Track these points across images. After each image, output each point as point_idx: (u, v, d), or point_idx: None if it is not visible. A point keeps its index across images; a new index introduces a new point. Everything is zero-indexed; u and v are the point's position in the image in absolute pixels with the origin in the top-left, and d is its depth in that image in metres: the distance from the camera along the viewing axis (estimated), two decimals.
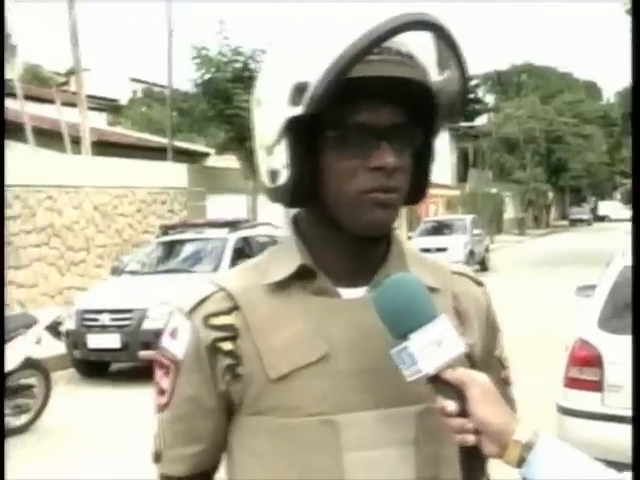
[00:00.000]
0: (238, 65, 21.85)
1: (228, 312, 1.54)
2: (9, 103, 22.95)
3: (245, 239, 13.95)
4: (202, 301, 1.56)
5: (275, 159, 1.51)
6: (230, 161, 24.23)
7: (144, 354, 11.58)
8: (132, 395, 10.68)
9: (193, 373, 1.55)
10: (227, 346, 1.52)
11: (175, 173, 21.14)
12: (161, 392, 1.61)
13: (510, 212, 58.55)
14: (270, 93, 1.51)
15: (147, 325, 11.60)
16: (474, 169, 56.60)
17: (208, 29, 22.28)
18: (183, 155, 24.46)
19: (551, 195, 68.93)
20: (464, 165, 58.69)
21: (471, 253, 27.89)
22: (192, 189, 21.37)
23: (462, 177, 56.50)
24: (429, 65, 1.51)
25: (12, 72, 21.58)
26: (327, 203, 1.52)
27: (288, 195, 1.52)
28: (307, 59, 1.43)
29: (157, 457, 1.64)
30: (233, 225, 14.41)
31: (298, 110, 1.44)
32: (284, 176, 1.50)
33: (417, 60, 1.47)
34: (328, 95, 1.39)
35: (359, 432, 1.49)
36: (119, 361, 12.54)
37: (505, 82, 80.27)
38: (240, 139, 21.94)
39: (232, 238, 13.64)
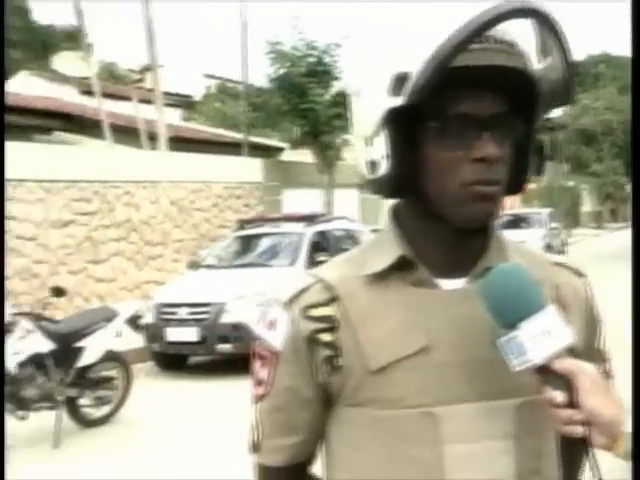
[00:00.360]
0: (312, 59, 21.87)
1: (327, 303, 1.53)
2: (86, 101, 23.32)
3: (321, 233, 13.97)
4: (301, 292, 1.56)
5: (375, 150, 1.50)
6: (304, 155, 24.26)
7: (222, 347, 11.68)
8: (210, 388, 10.78)
9: (291, 364, 1.55)
10: (326, 337, 1.52)
11: (250, 168, 21.23)
12: (259, 383, 1.61)
13: (587, 205, 57.76)
14: (370, 84, 1.50)
15: (225, 319, 11.70)
16: (550, 162, 55.93)
17: (282, 24, 22.30)
18: (257, 150, 24.57)
19: (629, 188, 67.79)
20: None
21: (548, 247, 27.57)
22: (267, 184, 21.44)
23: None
24: (531, 52, 1.49)
25: (89, 70, 21.90)
26: (427, 194, 1.50)
27: (387, 186, 1.52)
28: (408, 49, 1.42)
29: (255, 447, 1.64)
30: (309, 219, 14.42)
31: (399, 101, 1.43)
32: (384, 167, 1.48)
33: (518, 48, 1.45)
34: (430, 85, 1.37)
35: (459, 425, 1.47)
36: (197, 354, 12.66)
37: (582, 73, 79.02)
38: (315, 133, 21.96)
39: (308, 232, 13.68)
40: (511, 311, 1.36)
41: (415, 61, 1.38)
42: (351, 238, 14.48)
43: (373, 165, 1.51)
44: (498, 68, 1.42)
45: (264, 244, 14.21)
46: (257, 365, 1.62)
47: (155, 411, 9.58)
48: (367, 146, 1.52)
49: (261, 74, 22.06)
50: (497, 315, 1.39)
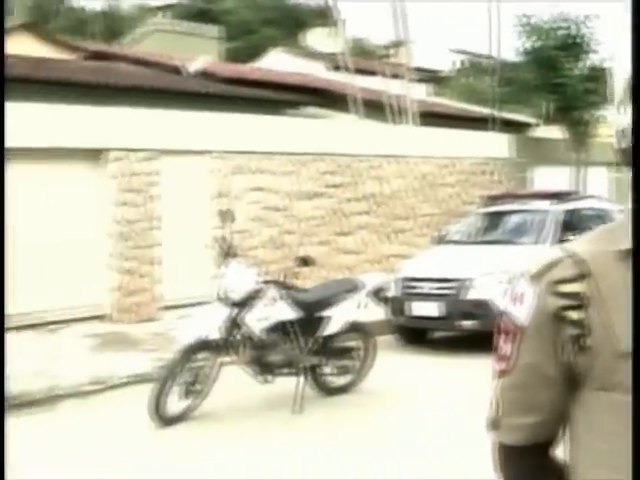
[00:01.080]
0: (565, 32, 21.19)
1: (577, 279, 1.45)
2: (334, 76, 23.63)
3: (571, 212, 13.45)
4: (550, 267, 1.49)
5: (624, 117, 1.42)
6: (555, 132, 23.59)
7: (465, 324, 11.54)
8: (452, 364, 10.70)
9: (535, 340, 1.49)
10: (574, 315, 1.44)
11: (498, 144, 20.85)
12: (502, 358, 1.57)
13: None
14: (623, 49, 1.38)
15: (469, 295, 11.56)
16: None
17: None
18: (507, 126, 24.08)
19: None
20: None
21: None
22: (516, 160, 20.98)
23: None
24: None
25: (338, 46, 22.19)
26: None
27: (630, 155, 1.42)
28: None
29: (494, 425, 1.60)
30: (558, 197, 13.96)
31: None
32: (630, 134, 1.40)
33: None
34: None
35: None
36: (439, 329, 12.60)
37: None
38: (567, 109, 21.29)
39: (557, 210, 13.25)
40: None
41: None
42: (601, 218, 13.88)
43: (622, 133, 1.43)
44: None
45: (511, 221, 13.93)
46: (501, 340, 1.57)
47: (396, 383, 9.58)
48: (618, 114, 1.44)
49: (511, 48, 21.58)
50: None
